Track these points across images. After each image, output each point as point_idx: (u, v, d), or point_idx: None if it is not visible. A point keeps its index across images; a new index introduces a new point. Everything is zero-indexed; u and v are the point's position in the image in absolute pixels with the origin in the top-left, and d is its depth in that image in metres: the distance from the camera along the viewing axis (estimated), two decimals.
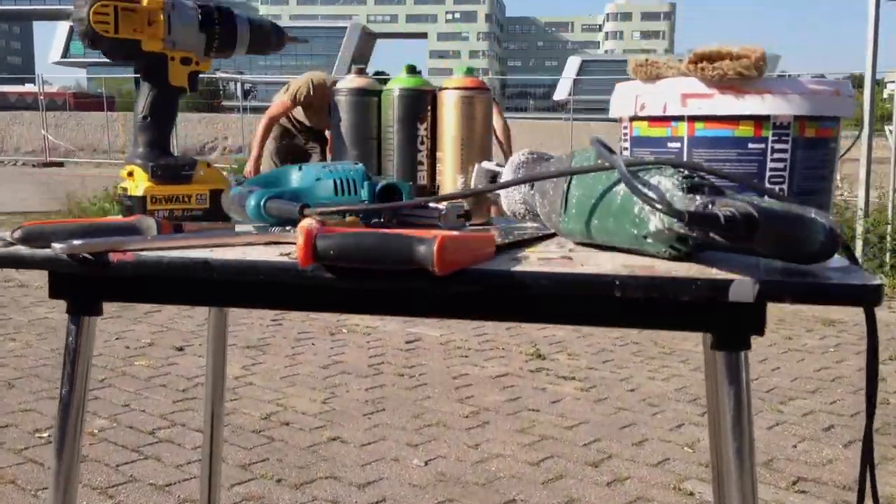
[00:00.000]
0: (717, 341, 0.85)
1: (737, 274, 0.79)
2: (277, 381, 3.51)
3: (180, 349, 3.89)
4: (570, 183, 0.95)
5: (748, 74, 0.92)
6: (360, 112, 1.21)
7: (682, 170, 0.85)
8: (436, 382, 3.52)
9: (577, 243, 0.99)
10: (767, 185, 0.94)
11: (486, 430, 3.01)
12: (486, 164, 1.16)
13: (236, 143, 31.41)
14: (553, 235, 1.05)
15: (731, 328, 0.84)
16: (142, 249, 0.89)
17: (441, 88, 1.18)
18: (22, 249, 0.93)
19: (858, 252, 5.76)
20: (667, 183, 0.82)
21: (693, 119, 0.97)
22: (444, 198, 1.02)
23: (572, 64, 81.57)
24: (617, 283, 0.80)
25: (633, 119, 1.03)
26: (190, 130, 31.34)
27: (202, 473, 1.76)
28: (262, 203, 0.97)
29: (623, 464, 2.73)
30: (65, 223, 0.96)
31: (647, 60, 0.99)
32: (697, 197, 0.76)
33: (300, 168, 1.10)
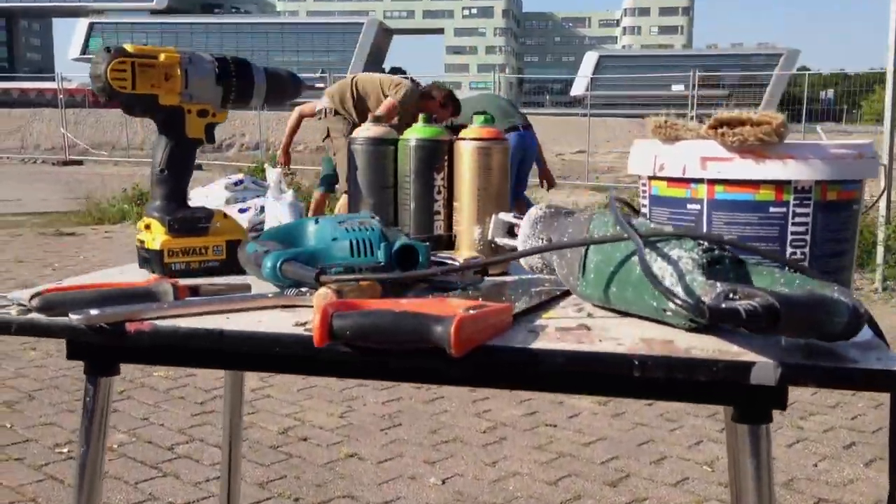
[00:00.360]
0: (738, 415, 0.84)
1: (758, 354, 0.78)
2: (294, 392, 3.52)
3: None
4: (588, 247, 0.94)
5: (769, 141, 0.91)
6: (376, 161, 1.21)
7: (701, 242, 0.84)
8: (453, 396, 3.52)
9: (595, 305, 0.98)
10: (789, 255, 0.93)
11: (504, 446, 3.00)
12: (503, 216, 1.16)
13: (253, 139, 31.51)
14: (570, 293, 1.04)
15: (753, 404, 0.83)
16: (158, 318, 0.89)
17: (459, 138, 1.18)
18: (40, 318, 0.93)
19: (879, 258, 5.70)
20: (686, 260, 0.81)
21: (713, 182, 0.96)
22: (459, 269, 1.01)
23: (589, 59, 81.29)
24: (636, 362, 0.79)
25: (651, 178, 1.02)
26: None
27: (221, 493, 1.77)
28: (278, 265, 0.97)
29: (642, 483, 2.71)
30: (82, 289, 0.96)
31: (665, 122, 0.98)
32: (718, 285, 0.75)
33: (317, 222, 1.10)
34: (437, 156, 1.18)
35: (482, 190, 1.17)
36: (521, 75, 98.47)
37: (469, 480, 2.71)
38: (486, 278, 1.12)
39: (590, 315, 0.95)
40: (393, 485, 2.67)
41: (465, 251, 1.18)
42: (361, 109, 5.42)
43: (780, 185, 0.94)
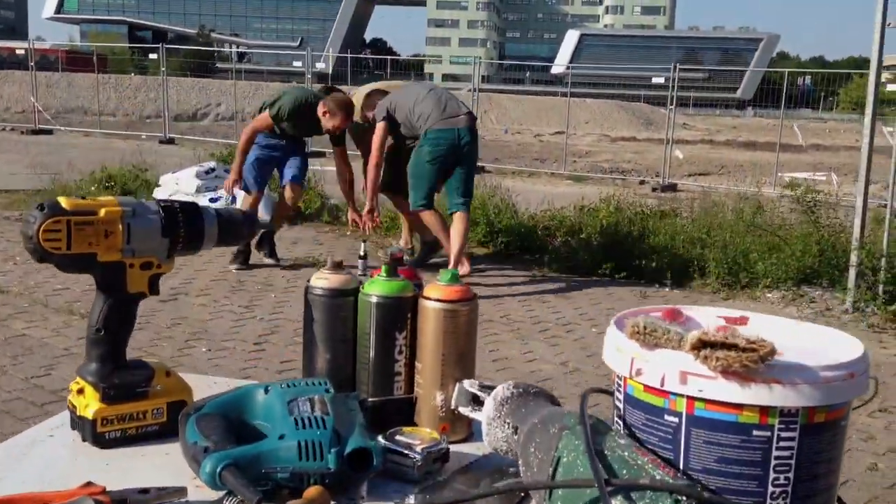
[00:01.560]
0: None
1: None
2: None
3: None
4: (555, 468, 0.87)
5: (754, 368, 0.84)
6: (334, 313, 1.12)
7: (679, 499, 0.77)
8: None
9: None
10: (772, 479, 0.87)
11: None
12: (467, 385, 1.08)
13: (229, 109, 31.09)
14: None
15: None
16: None
17: (423, 297, 1.09)
18: None
19: (851, 282, 5.70)
20: None
21: (693, 398, 0.89)
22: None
23: (571, 38, 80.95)
24: None
25: (627, 377, 0.95)
26: (182, 96, 31.09)
27: None
28: (217, 471, 0.88)
29: None
30: None
31: (644, 328, 0.91)
32: None
33: (266, 390, 1.02)
34: (399, 314, 1.10)
35: (446, 355, 1.09)
36: (501, 60, 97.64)
37: None
38: (447, 442, 1.04)
39: None
40: None
41: (425, 420, 1.11)
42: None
43: (765, 407, 0.87)
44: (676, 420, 0.90)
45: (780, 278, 6.14)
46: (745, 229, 6.59)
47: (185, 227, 1.06)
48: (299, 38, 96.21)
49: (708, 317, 1.08)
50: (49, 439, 1.07)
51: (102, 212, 1.00)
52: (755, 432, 0.88)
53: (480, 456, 1.08)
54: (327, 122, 5.73)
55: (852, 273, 5.68)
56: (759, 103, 52.04)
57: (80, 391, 1.05)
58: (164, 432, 1.06)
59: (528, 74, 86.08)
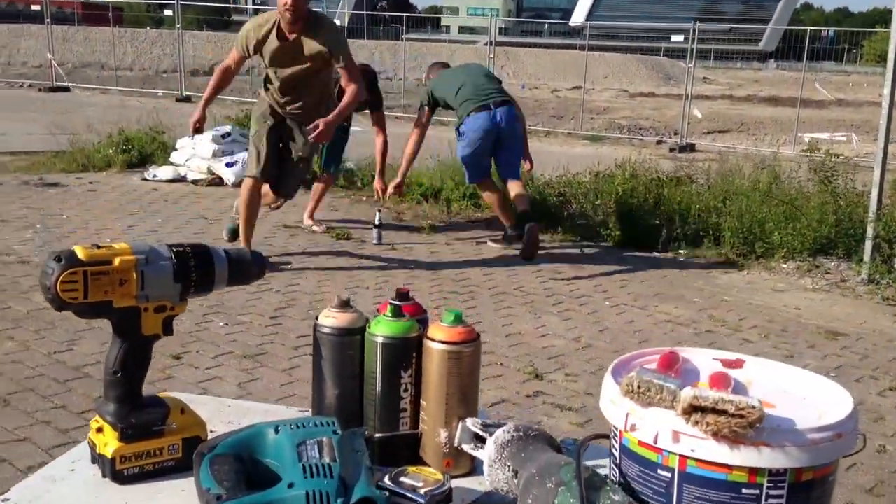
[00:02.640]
0: None
1: None
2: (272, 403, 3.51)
3: (178, 358, 3.88)
4: None
5: (743, 434, 0.87)
6: (342, 351, 1.16)
7: None
8: None
9: None
10: None
11: None
12: (470, 424, 1.12)
13: (246, 64, 31.02)
14: None
15: None
16: None
17: (428, 338, 1.13)
18: None
19: (867, 255, 5.69)
20: None
21: (685, 456, 0.92)
22: None
23: None
24: None
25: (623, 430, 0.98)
26: (198, 50, 30.89)
27: None
28: None
29: None
30: None
31: (639, 387, 0.94)
32: None
33: (276, 430, 1.06)
34: (405, 354, 1.14)
35: (450, 395, 1.13)
36: (519, 12, 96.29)
37: None
38: (451, 477, 1.09)
39: None
40: None
41: (429, 455, 1.15)
42: None
43: (754, 468, 0.90)
44: (669, 475, 0.94)
45: (796, 249, 6.13)
46: (762, 199, 6.56)
47: (197, 271, 1.10)
48: None
49: (705, 359, 1.11)
50: (70, 474, 1.12)
51: (117, 261, 1.04)
52: (744, 490, 0.91)
53: (482, 493, 1.12)
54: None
55: (868, 245, 5.67)
56: (781, 56, 51.25)
57: (100, 430, 1.09)
58: (180, 467, 1.11)
59: (546, 27, 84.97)
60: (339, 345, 1.16)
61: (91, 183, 8.12)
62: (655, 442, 0.93)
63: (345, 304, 1.18)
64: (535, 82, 30.38)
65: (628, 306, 5.09)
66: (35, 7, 28.49)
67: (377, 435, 1.15)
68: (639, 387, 0.94)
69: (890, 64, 5.45)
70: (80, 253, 1.03)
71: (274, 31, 4.92)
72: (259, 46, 4.97)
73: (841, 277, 5.85)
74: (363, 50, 34.15)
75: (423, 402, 1.15)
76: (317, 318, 1.18)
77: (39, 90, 18.84)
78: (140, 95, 18.75)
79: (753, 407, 0.88)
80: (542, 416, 3.52)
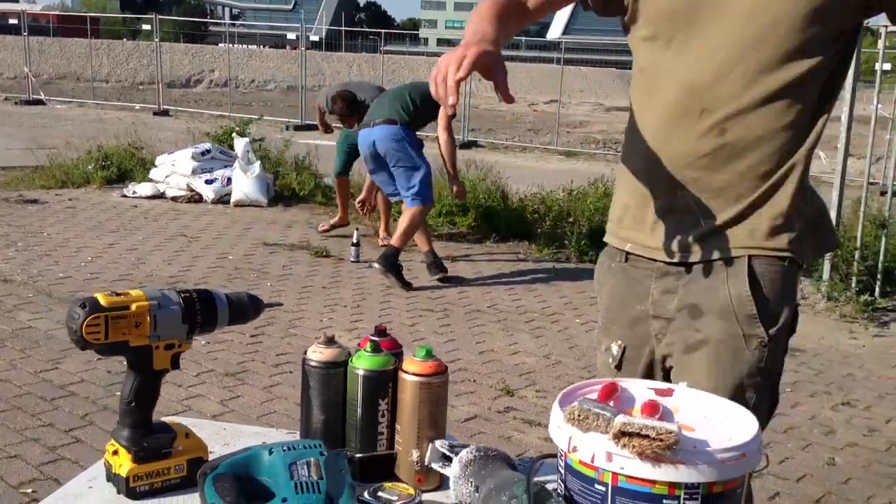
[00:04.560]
0: None
1: None
2: (254, 419, 3.66)
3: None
4: None
5: (662, 454, 1.05)
6: (327, 382, 1.33)
7: None
8: None
9: None
10: None
11: None
12: (439, 445, 1.29)
13: (223, 76, 31.04)
14: None
15: None
16: None
17: (402, 370, 1.30)
18: None
19: (826, 274, 5.93)
20: None
21: (616, 473, 1.10)
22: None
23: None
24: None
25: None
26: (176, 62, 30.97)
27: None
28: None
29: None
30: None
31: (578, 415, 1.12)
32: None
33: (270, 452, 1.23)
34: (382, 385, 1.31)
35: (422, 420, 1.30)
36: None
37: None
38: (421, 492, 1.26)
39: None
40: None
41: (403, 472, 1.32)
42: None
43: (672, 482, 1.08)
44: (604, 489, 1.12)
45: None
46: None
47: (202, 313, 1.27)
48: (293, 1, 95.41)
49: (640, 388, 1.29)
50: (89, 491, 1.28)
51: (134, 306, 1.21)
52: (665, 501, 1.09)
53: None
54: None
55: (827, 265, 5.91)
56: None
57: (115, 452, 1.25)
58: (185, 484, 1.28)
59: (523, 40, 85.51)
60: (325, 376, 1.33)
61: (70, 200, 8.22)
62: (592, 461, 1.11)
63: (330, 341, 1.35)
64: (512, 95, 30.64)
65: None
66: (12, 20, 28.36)
67: (358, 455, 1.32)
68: (579, 415, 1.12)
69: (848, 83, 5.71)
70: (102, 300, 1.19)
71: None
72: None
73: (801, 295, 6.08)
74: (341, 62, 34.40)
75: (398, 426, 1.32)
76: (305, 353, 1.35)
77: (16, 103, 18.86)
78: (117, 109, 18.81)
79: (671, 432, 1.06)
80: (512, 431, 3.69)
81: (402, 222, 5.82)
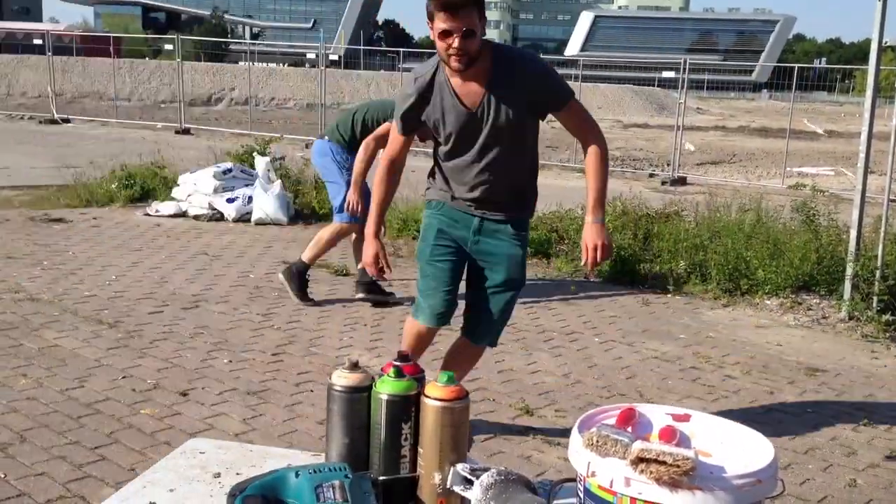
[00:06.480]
0: None
1: None
2: (276, 438, 3.69)
3: (184, 394, 4.05)
4: None
5: (679, 481, 1.08)
6: (352, 406, 1.37)
7: None
8: None
9: None
10: None
11: None
12: (460, 468, 1.32)
13: (243, 94, 31.33)
14: None
15: None
16: None
17: (425, 395, 1.33)
18: None
19: (847, 294, 5.91)
20: None
21: (634, 498, 1.12)
22: None
23: (585, 19, 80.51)
24: None
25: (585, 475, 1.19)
26: (197, 81, 31.31)
27: None
28: None
29: None
30: None
31: (597, 441, 1.14)
32: None
33: (297, 475, 1.26)
34: (405, 409, 1.34)
35: (444, 443, 1.33)
36: (514, 42, 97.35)
37: None
38: None
39: None
40: None
41: (425, 495, 1.35)
42: None
43: None
44: None
45: (780, 285, 6.35)
46: (746, 238, 6.79)
47: None
48: (312, 20, 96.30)
49: (658, 414, 1.32)
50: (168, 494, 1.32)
51: None
52: None
53: None
54: None
55: (847, 284, 5.88)
56: (774, 87, 51.92)
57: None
58: None
59: (541, 56, 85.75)
60: (350, 401, 1.36)
61: (95, 218, 8.33)
62: (611, 486, 1.14)
63: (354, 366, 1.38)
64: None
65: (616, 342, 5.29)
66: (37, 41, 28.80)
67: (381, 477, 1.35)
68: (597, 441, 1.15)
69: (867, 102, 5.71)
70: None
71: None
72: None
73: (822, 314, 6.06)
74: (359, 80, 34.65)
75: (420, 450, 1.36)
76: (330, 378, 1.39)
77: (40, 122, 19.12)
78: (140, 128, 19.03)
79: (688, 458, 1.08)
80: (532, 451, 3.71)
81: (321, 234, 5.70)
